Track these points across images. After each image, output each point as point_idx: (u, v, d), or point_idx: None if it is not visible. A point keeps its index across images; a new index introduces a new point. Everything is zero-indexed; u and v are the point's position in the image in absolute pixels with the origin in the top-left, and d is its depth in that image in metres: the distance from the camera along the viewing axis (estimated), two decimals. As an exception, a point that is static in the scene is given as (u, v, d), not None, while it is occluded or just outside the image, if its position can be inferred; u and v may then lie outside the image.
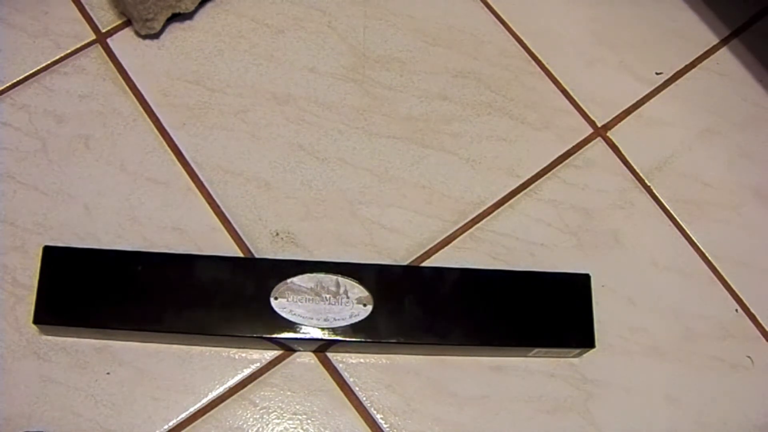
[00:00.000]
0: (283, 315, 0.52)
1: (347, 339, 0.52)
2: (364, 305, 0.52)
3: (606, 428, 0.55)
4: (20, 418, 0.51)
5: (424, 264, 0.58)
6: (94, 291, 0.52)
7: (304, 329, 0.52)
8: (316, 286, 0.53)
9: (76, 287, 0.52)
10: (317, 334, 0.52)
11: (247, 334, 0.51)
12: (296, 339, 0.52)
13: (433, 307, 0.53)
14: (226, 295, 0.52)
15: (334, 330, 0.52)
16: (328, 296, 0.52)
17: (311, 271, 0.53)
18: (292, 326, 0.52)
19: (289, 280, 0.53)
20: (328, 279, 0.53)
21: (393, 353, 0.55)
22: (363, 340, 0.52)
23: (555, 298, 0.55)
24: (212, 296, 0.52)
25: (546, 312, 0.54)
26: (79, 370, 0.53)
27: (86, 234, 0.57)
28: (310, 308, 0.52)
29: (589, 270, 0.56)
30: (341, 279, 0.53)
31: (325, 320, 0.52)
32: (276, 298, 0.52)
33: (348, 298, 0.52)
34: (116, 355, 0.54)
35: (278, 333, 0.51)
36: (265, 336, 0.52)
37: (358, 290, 0.53)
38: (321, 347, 0.54)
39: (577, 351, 0.55)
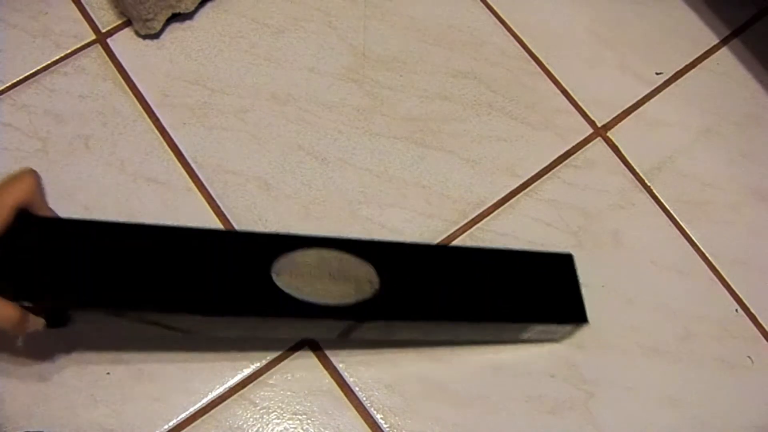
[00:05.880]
0: (287, 292, 0.47)
1: (353, 319, 0.49)
2: (370, 282, 0.49)
3: (606, 428, 0.55)
4: (20, 418, 0.51)
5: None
6: (69, 267, 0.45)
7: (307, 308, 0.48)
8: (319, 262, 0.49)
9: (50, 263, 0.45)
10: (322, 313, 0.48)
11: (246, 314, 0.47)
12: (299, 318, 0.48)
13: (442, 285, 0.51)
14: (222, 271, 0.47)
15: (339, 309, 0.48)
16: (333, 274, 0.49)
17: (315, 247, 0.49)
18: (295, 304, 0.47)
19: (290, 255, 0.49)
20: (332, 255, 0.49)
21: (397, 336, 0.54)
22: (370, 318, 0.49)
23: (542, 277, 0.54)
24: (206, 273, 0.47)
25: (536, 290, 0.54)
26: (79, 370, 0.53)
27: (86, 234, 0.57)
28: (317, 288, 0.48)
29: (589, 270, 0.56)
30: (346, 256, 0.50)
31: (332, 298, 0.48)
32: (278, 275, 0.48)
33: (354, 276, 0.49)
34: (116, 355, 0.54)
35: (280, 312, 0.48)
36: (265, 315, 0.48)
37: (363, 266, 0.50)
38: (327, 330, 0.52)
39: (570, 328, 0.55)
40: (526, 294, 0.53)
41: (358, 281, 0.49)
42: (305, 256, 0.49)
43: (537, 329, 0.54)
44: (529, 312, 0.53)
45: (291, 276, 0.48)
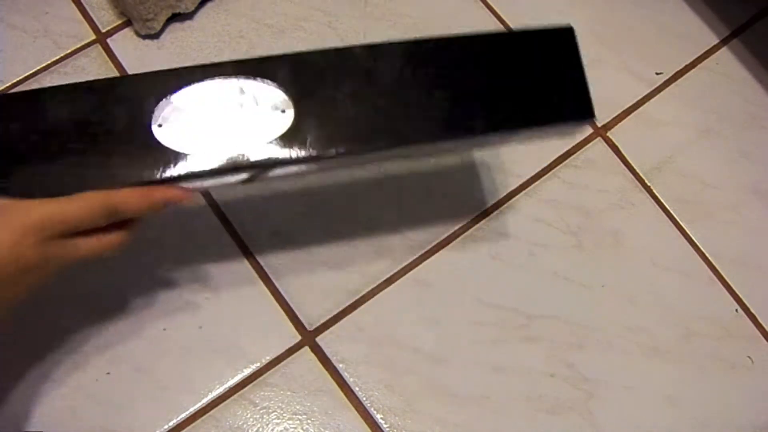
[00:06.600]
0: (173, 147, 0.37)
1: (268, 163, 0.38)
2: (283, 111, 0.39)
3: (606, 428, 0.55)
4: (20, 418, 0.51)
5: (425, 262, 0.58)
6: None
7: (205, 161, 0.37)
8: (212, 98, 0.38)
9: None
10: (225, 163, 0.37)
11: (128, 182, 0.37)
12: (197, 175, 0.38)
13: (377, 98, 0.39)
14: (89, 135, 0.37)
15: (248, 153, 0.38)
16: (230, 108, 0.38)
17: (202, 79, 0.38)
18: (188, 159, 0.37)
19: (172, 97, 0.38)
20: (228, 85, 0.38)
21: (333, 169, 0.44)
22: (289, 159, 0.38)
23: (532, 63, 0.42)
24: (67, 141, 0.37)
25: (524, 82, 0.42)
26: (79, 370, 0.53)
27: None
28: (209, 130, 0.38)
29: (589, 270, 0.56)
30: (245, 82, 0.38)
31: (234, 142, 0.38)
32: (160, 125, 0.38)
33: (258, 105, 0.39)
34: (116, 355, 0.54)
35: (171, 172, 0.37)
36: (154, 180, 0.37)
37: (270, 92, 0.39)
38: (241, 178, 0.40)
39: (573, 126, 0.45)
40: (513, 91, 0.41)
41: (268, 111, 0.39)
42: (192, 94, 0.38)
43: (531, 133, 0.43)
44: (517, 115, 0.41)
45: (178, 126, 0.38)
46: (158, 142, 0.37)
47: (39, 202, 0.37)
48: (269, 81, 0.39)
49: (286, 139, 0.38)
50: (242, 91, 0.39)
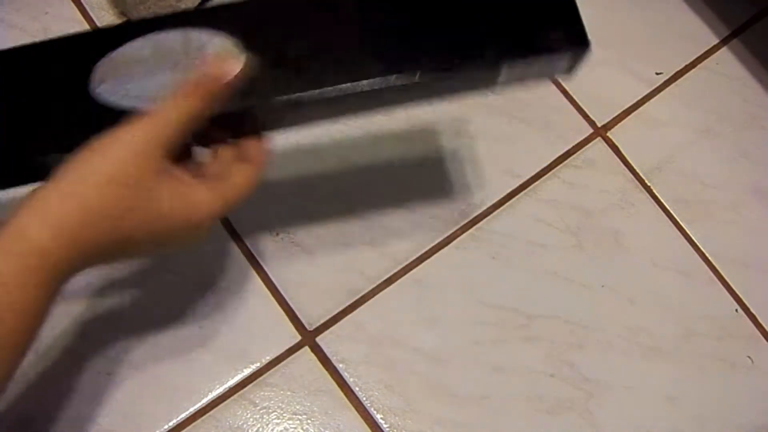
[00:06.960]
0: (118, 102, 0.35)
1: (222, 111, 0.35)
2: (236, 60, 0.36)
3: (606, 428, 0.55)
4: (21, 418, 0.51)
5: (425, 262, 0.58)
6: None
7: None
8: (155, 50, 0.36)
9: None
10: None
11: (66, 148, 0.34)
12: None
13: (337, 36, 0.37)
14: (26, 98, 0.36)
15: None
16: (177, 60, 0.36)
17: (142, 33, 0.36)
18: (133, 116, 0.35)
19: (113, 54, 0.36)
20: (172, 37, 0.36)
21: (295, 121, 0.41)
22: (244, 108, 0.36)
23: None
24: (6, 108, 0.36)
25: (512, 16, 0.38)
26: (80, 370, 0.53)
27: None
28: (155, 83, 0.35)
29: (589, 270, 0.56)
30: (190, 32, 0.36)
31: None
32: (100, 83, 0.36)
33: (206, 55, 0.36)
34: (116, 355, 0.54)
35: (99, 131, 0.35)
36: (78, 142, 0.35)
37: (218, 40, 0.36)
38: (197, 136, 0.38)
39: (569, 58, 0.42)
40: (494, 19, 0.38)
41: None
42: (133, 49, 0.36)
43: (518, 68, 0.39)
44: (501, 46, 0.38)
45: (119, 81, 0.36)
46: (99, 101, 0.36)
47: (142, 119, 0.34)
48: (216, 29, 0.36)
49: (240, 86, 0.36)
50: (188, 42, 0.36)
